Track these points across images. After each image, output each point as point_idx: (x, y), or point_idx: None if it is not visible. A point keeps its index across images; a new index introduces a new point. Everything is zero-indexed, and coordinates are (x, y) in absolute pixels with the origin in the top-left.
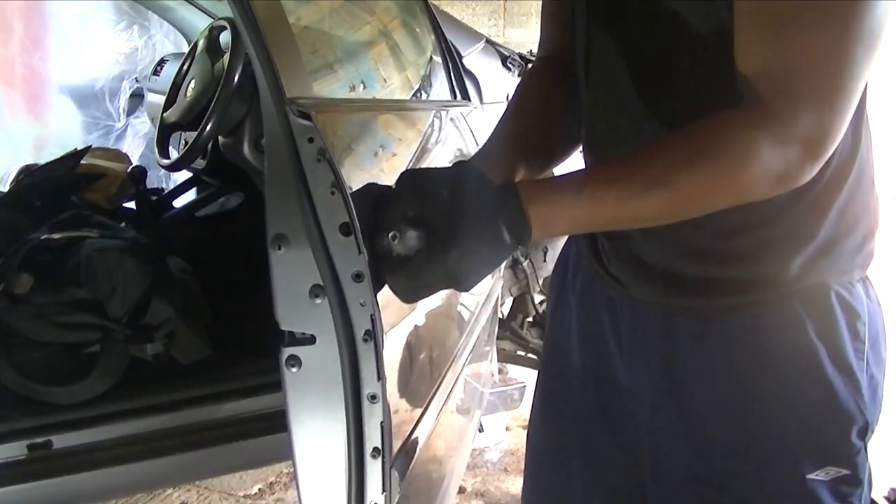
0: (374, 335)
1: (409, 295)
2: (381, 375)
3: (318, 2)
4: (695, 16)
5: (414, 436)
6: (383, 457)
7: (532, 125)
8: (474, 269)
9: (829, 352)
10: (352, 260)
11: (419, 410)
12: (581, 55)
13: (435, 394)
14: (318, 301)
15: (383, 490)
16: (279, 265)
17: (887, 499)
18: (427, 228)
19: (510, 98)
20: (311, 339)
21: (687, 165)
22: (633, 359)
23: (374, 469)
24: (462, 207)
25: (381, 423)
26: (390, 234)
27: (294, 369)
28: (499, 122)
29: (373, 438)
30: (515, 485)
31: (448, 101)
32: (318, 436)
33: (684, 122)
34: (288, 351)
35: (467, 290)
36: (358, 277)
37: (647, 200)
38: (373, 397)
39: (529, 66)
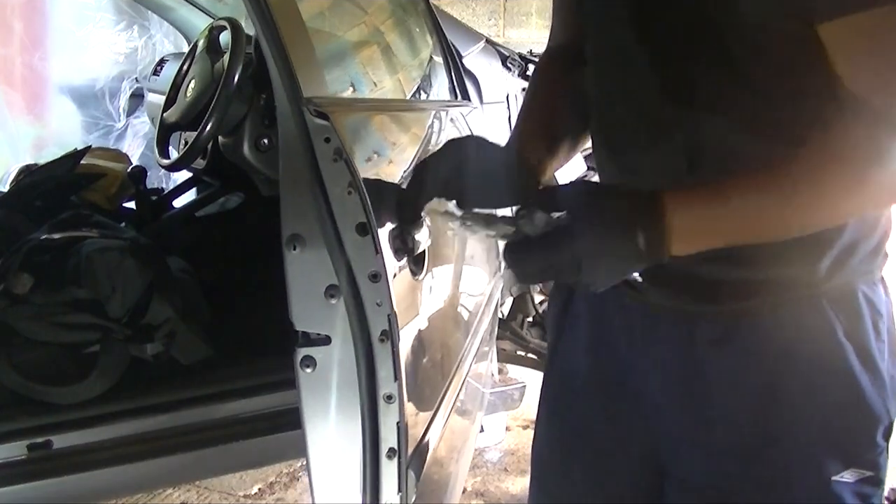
0: (390, 335)
1: (524, 276)
2: (397, 376)
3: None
4: (735, 29)
5: (426, 437)
6: (399, 457)
7: (543, 125)
8: (599, 268)
9: (856, 351)
10: (368, 260)
11: (428, 413)
12: (596, 49)
13: (444, 395)
14: (334, 301)
15: (399, 490)
16: (294, 265)
17: (888, 499)
18: (559, 214)
19: (524, 95)
20: (326, 340)
21: (824, 171)
22: (649, 365)
23: (389, 469)
24: (602, 206)
25: (398, 423)
26: (518, 211)
27: (308, 370)
28: (516, 124)
29: (388, 439)
30: (515, 485)
31: (448, 101)
32: (332, 436)
33: (707, 113)
34: (302, 351)
35: (587, 289)
36: (374, 277)
37: (793, 209)
38: (389, 398)
39: (532, 65)
